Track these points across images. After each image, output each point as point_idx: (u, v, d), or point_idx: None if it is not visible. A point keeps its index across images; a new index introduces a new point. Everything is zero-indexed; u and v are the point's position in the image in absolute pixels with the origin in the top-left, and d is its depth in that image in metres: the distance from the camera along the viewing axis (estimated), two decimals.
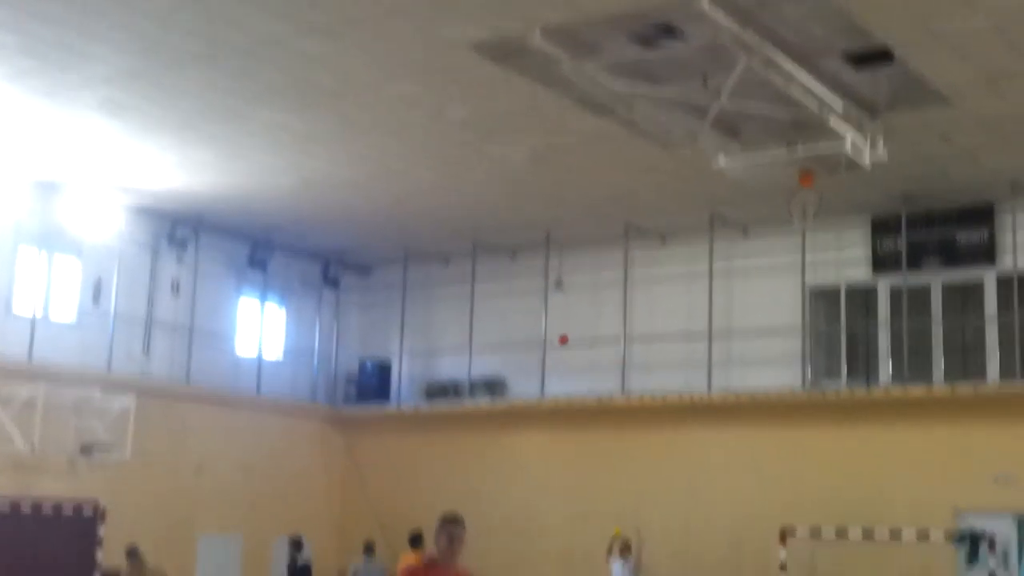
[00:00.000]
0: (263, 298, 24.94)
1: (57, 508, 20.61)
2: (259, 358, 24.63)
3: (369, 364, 25.87)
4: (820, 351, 21.69)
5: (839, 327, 21.53)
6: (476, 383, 24.48)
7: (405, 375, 25.75)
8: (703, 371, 21.64)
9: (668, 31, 13.41)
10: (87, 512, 20.96)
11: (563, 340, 21.45)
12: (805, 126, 15.32)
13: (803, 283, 21.25)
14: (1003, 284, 19.84)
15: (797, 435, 21.00)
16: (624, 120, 16.33)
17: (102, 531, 20.72)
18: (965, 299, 20.48)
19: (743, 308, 21.98)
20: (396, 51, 14.40)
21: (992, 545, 17.83)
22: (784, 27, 13.28)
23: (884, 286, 20.98)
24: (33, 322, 20.65)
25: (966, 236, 20.11)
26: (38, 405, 19.55)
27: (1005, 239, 19.86)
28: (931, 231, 20.33)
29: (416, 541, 15.47)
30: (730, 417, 21.55)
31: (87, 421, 20.58)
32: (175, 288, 23.05)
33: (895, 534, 18.59)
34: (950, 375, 20.08)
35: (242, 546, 23.51)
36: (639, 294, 23.04)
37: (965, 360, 20.33)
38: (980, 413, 19.43)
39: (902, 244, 20.39)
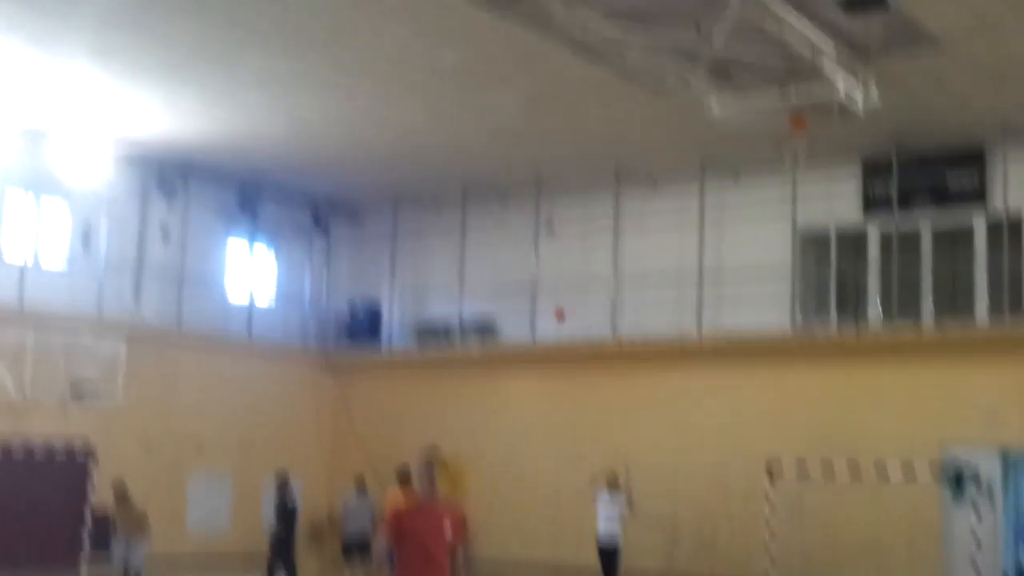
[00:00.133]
0: (252, 242, 24.87)
1: (49, 451, 20.71)
2: (250, 303, 24.62)
3: (360, 308, 25.89)
4: (810, 293, 21.77)
5: (829, 270, 21.59)
6: (467, 327, 24.54)
7: (396, 319, 25.79)
8: (693, 314, 21.72)
9: None
10: (79, 455, 21.06)
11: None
12: (797, 71, 15.28)
13: (794, 226, 21.27)
14: (992, 227, 19.87)
15: (786, 376, 21.12)
16: (616, 66, 16.24)
17: (94, 474, 20.81)
18: (955, 242, 20.52)
19: (734, 251, 22.01)
20: None
21: (978, 481, 18.03)
22: None
23: (874, 229, 21.01)
24: (23, 269, 20.57)
25: (956, 179, 20.11)
26: (28, 350, 19.55)
27: (995, 182, 19.87)
28: (922, 174, 20.33)
29: (404, 478, 15.55)
30: (720, 359, 21.65)
31: (78, 366, 20.59)
32: (165, 234, 22.98)
33: (882, 472, 18.78)
34: (939, 317, 20.19)
35: (232, 487, 23.67)
36: (630, 238, 23.04)
37: (954, 302, 20.42)
38: (968, 354, 19.54)
39: (893, 187, 20.39)
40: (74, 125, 20.21)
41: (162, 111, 19.38)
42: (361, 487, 19.55)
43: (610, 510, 19.34)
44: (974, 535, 17.78)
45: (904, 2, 14.06)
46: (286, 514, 18.71)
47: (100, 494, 19.91)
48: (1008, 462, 19.34)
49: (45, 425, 20.74)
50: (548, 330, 23.30)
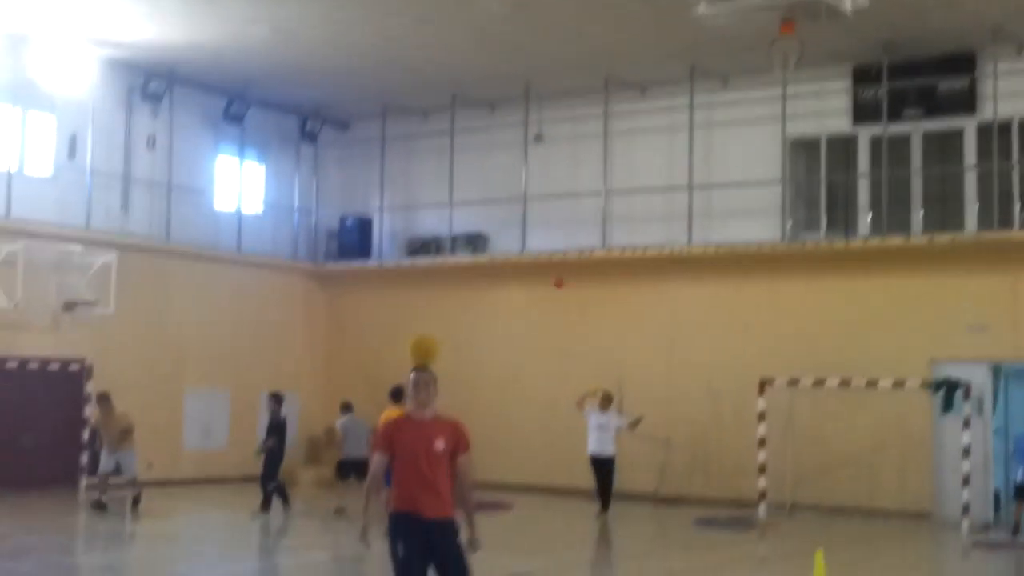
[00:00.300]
0: (241, 153, 24.78)
1: (43, 364, 20.79)
2: (239, 214, 24.58)
3: (350, 220, 25.86)
4: (800, 202, 21.78)
5: (819, 178, 21.58)
6: (457, 238, 24.54)
7: (386, 231, 25.78)
8: (683, 224, 21.72)
9: None
10: (73, 368, 21.16)
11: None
12: None
13: (783, 134, 21.21)
14: (983, 133, 19.83)
15: (776, 287, 21.20)
16: None
17: (89, 387, 20.94)
18: (945, 148, 20.50)
19: (723, 160, 21.97)
20: None
21: (967, 393, 18.18)
22: None
23: (864, 136, 20.96)
24: (9, 177, 20.51)
25: (947, 85, 20.02)
26: (18, 262, 19.54)
27: (986, 87, 19.78)
28: (912, 80, 20.23)
29: (397, 395, 15.63)
30: (710, 269, 21.71)
31: (68, 278, 20.63)
32: (151, 143, 22.88)
33: (872, 383, 18.93)
34: (929, 225, 20.22)
35: (229, 401, 23.80)
36: (619, 147, 22.98)
37: (944, 210, 20.44)
38: (958, 263, 19.61)
39: (883, 94, 20.29)
40: (56, 31, 20.02)
41: (144, 16, 19.20)
42: (347, 408, 19.66)
43: (603, 427, 19.26)
44: (964, 448, 17.98)
45: None
46: (278, 427, 18.79)
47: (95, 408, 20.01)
48: (998, 374, 19.50)
49: (37, 338, 20.80)
50: (538, 242, 23.31)
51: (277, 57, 21.53)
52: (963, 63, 19.91)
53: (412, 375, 7.72)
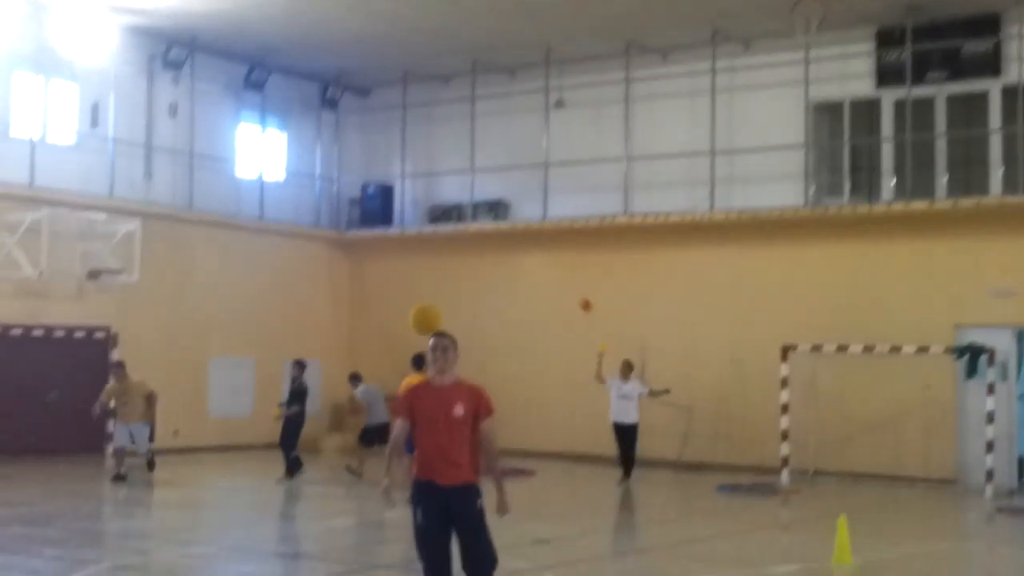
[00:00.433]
0: (262, 121, 24.79)
1: (69, 332, 20.92)
2: (260, 182, 24.62)
3: (372, 187, 25.86)
4: (823, 167, 21.64)
5: (842, 142, 21.44)
6: (479, 205, 24.52)
7: (408, 198, 25.77)
8: (706, 189, 21.63)
9: None
10: (98, 336, 21.29)
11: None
12: None
13: (806, 98, 21.05)
14: (1008, 95, 19.64)
15: (799, 252, 21.11)
16: None
17: (114, 354, 21.06)
18: (969, 111, 20.32)
19: (746, 125, 21.84)
20: None
21: (991, 358, 18.10)
22: None
23: (888, 99, 20.79)
24: (32, 145, 20.58)
25: (971, 47, 19.82)
26: (43, 231, 19.66)
27: (1010, 49, 19.59)
28: (936, 42, 20.03)
29: (419, 363, 15.69)
30: (732, 235, 21.63)
31: (92, 246, 20.74)
32: (172, 111, 22.91)
33: (895, 349, 18.85)
34: (953, 189, 20.07)
35: (254, 369, 23.91)
36: (641, 112, 22.86)
37: (968, 174, 20.29)
38: (982, 227, 19.49)
39: (906, 56, 20.10)
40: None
41: None
42: (356, 378, 19.75)
43: (626, 396, 19.19)
44: (988, 413, 17.91)
45: None
46: (301, 394, 18.86)
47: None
48: (1022, 339, 19.38)
49: (62, 307, 20.95)
50: (559, 208, 23.26)
51: (297, 24, 21.50)
52: (987, 25, 19.71)
53: (430, 341, 7.64)
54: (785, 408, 19.24)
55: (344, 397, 24.67)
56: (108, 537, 13.79)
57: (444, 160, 25.34)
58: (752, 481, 19.29)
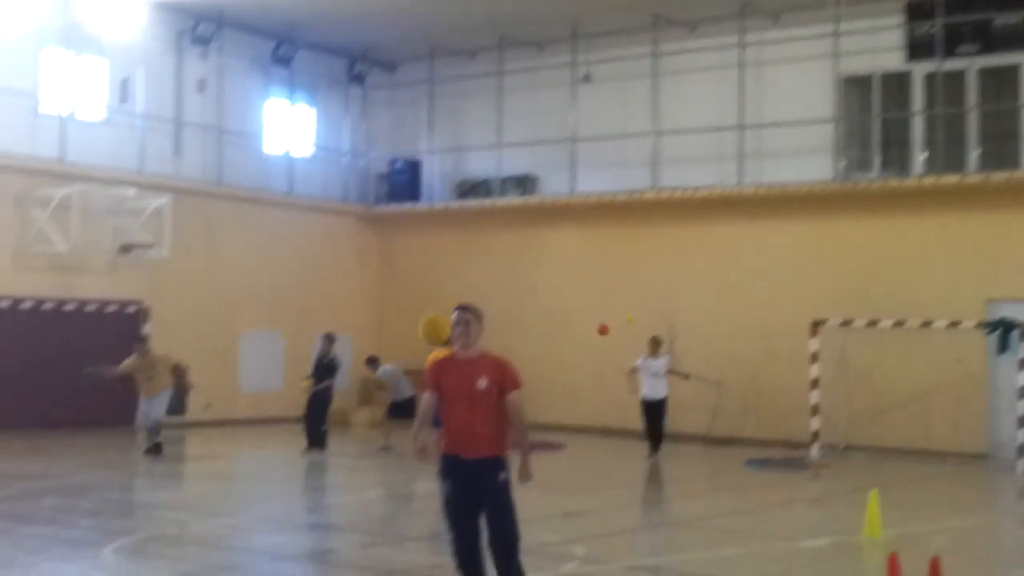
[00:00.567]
0: (290, 96, 24.84)
1: (100, 307, 21.10)
2: (289, 157, 24.69)
3: (399, 163, 25.90)
4: (853, 141, 21.51)
5: (872, 116, 21.30)
6: (507, 180, 24.52)
7: (435, 173, 25.79)
8: (734, 164, 21.56)
9: None
10: (130, 310, 21.45)
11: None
12: None
13: (836, 71, 20.91)
14: None
15: (829, 227, 21.02)
16: None
17: (146, 328, 21.23)
18: (1001, 84, 20.14)
19: (774, 99, 21.72)
20: None
21: (1023, 333, 17.97)
22: None
23: (919, 72, 20.62)
24: (63, 121, 20.70)
25: (1003, 19, 19.62)
26: (74, 206, 19.80)
27: None
28: (967, 15, 19.84)
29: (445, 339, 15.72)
30: (761, 210, 21.55)
31: (123, 222, 20.88)
32: (201, 87, 22.99)
33: (926, 323, 18.76)
34: (984, 163, 19.92)
35: (284, 343, 24.02)
36: (668, 86, 22.76)
37: (1000, 147, 20.13)
38: (1014, 201, 19.33)
39: (937, 29, 19.94)
40: None
41: None
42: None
43: (656, 373, 19.10)
44: (1019, 389, 17.81)
45: None
46: (331, 368, 18.93)
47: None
48: None
49: (94, 281, 21.12)
50: (587, 183, 23.22)
51: None
52: None
53: (453, 315, 7.59)
54: (815, 383, 19.20)
55: (366, 377, 24.83)
56: (142, 508, 13.93)
57: (471, 135, 25.32)
58: (782, 456, 19.28)
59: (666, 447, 19.18)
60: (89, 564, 9.90)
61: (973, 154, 20.08)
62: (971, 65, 20.09)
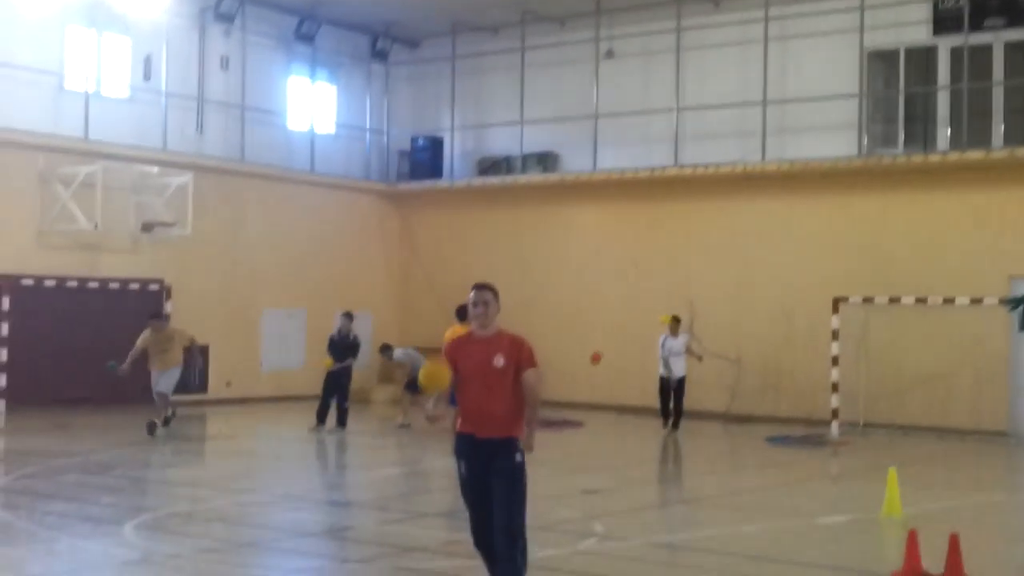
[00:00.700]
0: (312, 73, 24.84)
1: (123, 285, 21.21)
2: (311, 134, 24.71)
3: (421, 140, 25.87)
4: (877, 116, 21.34)
5: (897, 91, 21.11)
6: (528, 157, 24.46)
7: (457, 151, 25.75)
8: (757, 140, 21.42)
9: None
10: (153, 288, 21.56)
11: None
12: None
13: (861, 46, 20.73)
14: None
15: (852, 203, 20.88)
16: None
17: (169, 306, 21.33)
18: None
19: (798, 74, 21.56)
20: None
21: None
22: None
23: (945, 47, 20.42)
24: (87, 98, 20.77)
25: None
26: (97, 184, 19.87)
27: None
28: None
29: (462, 314, 15.68)
30: (784, 186, 21.43)
31: (146, 199, 20.95)
32: (224, 64, 23.01)
33: (948, 300, 18.63)
34: (1010, 139, 19.73)
35: (305, 321, 24.07)
36: (691, 62, 22.63)
37: None
38: None
39: (964, 3, 19.75)
40: None
41: None
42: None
43: (677, 352, 19.08)
44: None
45: None
46: (354, 346, 18.94)
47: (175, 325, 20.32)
48: None
49: (117, 259, 21.20)
50: (609, 160, 23.14)
51: None
52: None
53: (471, 294, 7.52)
54: (835, 360, 19.12)
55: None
56: (163, 485, 14.03)
57: (493, 112, 25.26)
58: (802, 433, 19.23)
59: (685, 425, 19.19)
60: (110, 540, 9.98)
61: (998, 129, 19.88)
62: (997, 39, 19.87)
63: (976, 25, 19.71)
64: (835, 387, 19.12)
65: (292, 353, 23.85)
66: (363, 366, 20.93)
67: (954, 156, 19.71)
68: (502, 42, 24.85)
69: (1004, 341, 19.29)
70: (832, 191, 21.01)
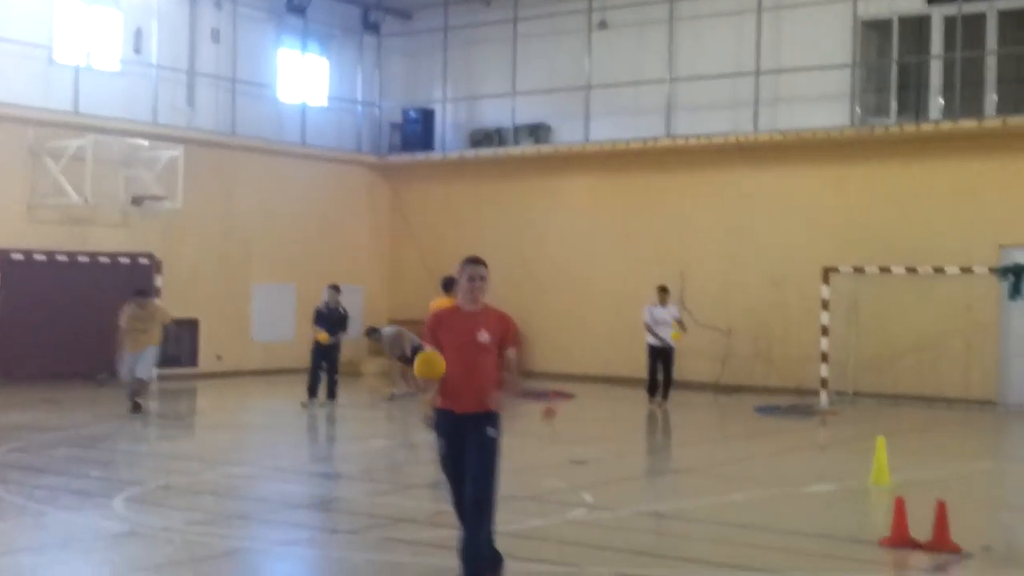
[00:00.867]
0: (303, 46, 24.72)
1: (113, 259, 21.16)
2: (302, 107, 24.61)
3: (413, 112, 25.78)
4: (870, 86, 21.28)
5: (890, 60, 21.04)
6: (520, 129, 24.39)
7: (449, 122, 25.66)
8: (749, 111, 21.37)
9: None
10: (143, 262, 21.51)
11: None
12: None
13: (854, 14, 20.65)
14: None
15: (844, 173, 20.86)
16: None
17: (159, 280, 21.30)
18: (1021, 27, 19.84)
19: (791, 44, 21.48)
20: None
21: None
22: None
23: (938, 16, 20.34)
24: (77, 71, 20.67)
25: None
26: (87, 157, 19.79)
27: None
28: None
29: (448, 286, 15.60)
30: (777, 157, 21.40)
31: (136, 173, 20.87)
32: (215, 37, 22.90)
33: (938, 269, 18.64)
34: (1003, 108, 19.69)
35: (295, 294, 24.03)
36: (685, 32, 22.54)
37: (1019, 92, 19.89)
38: None
39: None
40: None
41: None
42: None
43: (665, 322, 19.03)
44: None
45: None
46: (344, 319, 18.88)
47: (166, 299, 20.30)
48: None
49: (107, 233, 21.15)
50: (601, 131, 23.08)
51: None
52: None
53: (467, 268, 7.36)
54: (825, 330, 19.14)
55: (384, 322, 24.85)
56: (153, 459, 14.02)
57: (485, 83, 25.17)
58: (791, 403, 19.27)
59: (675, 395, 19.19)
60: (100, 514, 9.97)
61: (991, 98, 19.84)
62: (991, 8, 19.80)
63: None
64: (825, 357, 19.14)
65: (283, 326, 23.82)
66: (353, 339, 20.90)
67: (947, 126, 19.67)
68: (494, 13, 24.72)
69: (994, 310, 19.31)
70: (824, 161, 20.98)
